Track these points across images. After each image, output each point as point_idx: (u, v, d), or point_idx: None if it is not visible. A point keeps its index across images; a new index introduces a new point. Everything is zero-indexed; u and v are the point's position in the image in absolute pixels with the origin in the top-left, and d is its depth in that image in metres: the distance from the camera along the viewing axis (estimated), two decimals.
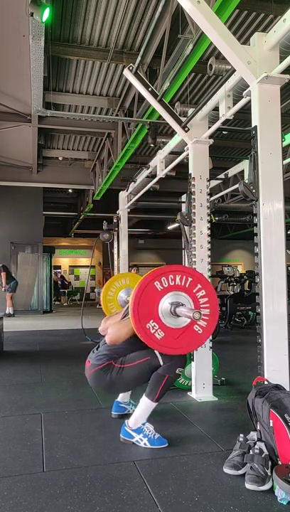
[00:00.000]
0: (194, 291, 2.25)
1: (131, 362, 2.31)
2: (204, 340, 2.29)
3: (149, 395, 2.26)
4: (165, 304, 2.18)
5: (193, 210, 3.26)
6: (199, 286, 2.27)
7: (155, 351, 2.24)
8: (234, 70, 2.77)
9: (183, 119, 3.53)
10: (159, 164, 4.77)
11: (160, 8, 3.63)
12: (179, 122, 3.48)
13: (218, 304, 2.41)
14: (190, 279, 2.26)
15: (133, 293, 2.18)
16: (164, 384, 2.23)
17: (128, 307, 2.38)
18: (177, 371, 2.24)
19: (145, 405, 2.28)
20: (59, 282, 16.48)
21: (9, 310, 10.16)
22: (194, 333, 2.23)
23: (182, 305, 2.18)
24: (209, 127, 3.39)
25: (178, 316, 2.17)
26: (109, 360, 2.34)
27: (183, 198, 6.30)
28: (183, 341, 2.20)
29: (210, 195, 3.55)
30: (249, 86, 2.39)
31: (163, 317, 2.17)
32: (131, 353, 2.35)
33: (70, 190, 13.15)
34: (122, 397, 2.74)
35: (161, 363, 2.23)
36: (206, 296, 2.28)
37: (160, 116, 4.62)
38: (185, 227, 3.43)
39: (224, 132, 7.17)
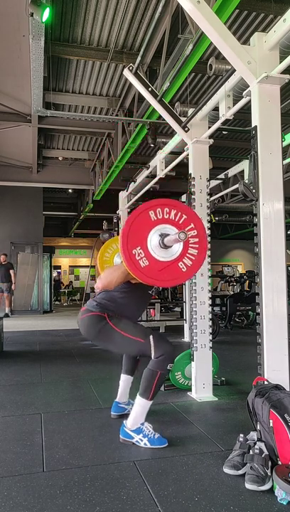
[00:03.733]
0: (186, 229, 2.26)
1: (124, 330, 2.31)
2: (186, 278, 2.30)
3: (144, 394, 2.25)
4: (155, 234, 2.21)
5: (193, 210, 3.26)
6: (192, 225, 2.29)
7: (150, 339, 2.23)
8: (234, 70, 2.77)
9: (183, 119, 3.53)
10: (159, 164, 4.77)
11: (160, 8, 3.62)
12: (179, 122, 3.49)
13: (206, 247, 2.40)
14: (184, 216, 2.28)
15: (127, 217, 2.20)
16: (157, 381, 2.23)
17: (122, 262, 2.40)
18: (168, 367, 2.25)
19: (141, 405, 2.28)
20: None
21: (7, 309, 10.22)
22: (178, 269, 2.24)
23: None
24: (209, 127, 3.39)
25: (166, 247, 2.19)
26: (103, 311, 2.35)
27: (183, 198, 6.30)
28: (166, 275, 2.21)
29: (210, 195, 3.55)
30: (249, 86, 2.39)
31: (151, 247, 2.19)
32: (125, 309, 2.37)
33: (70, 190, 13.15)
34: (121, 397, 2.74)
35: (153, 356, 2.24)
36: (197, 236, 2.30)
37: (160, 116, 4.62)
38: None
39: (224, 132, 7.17)
